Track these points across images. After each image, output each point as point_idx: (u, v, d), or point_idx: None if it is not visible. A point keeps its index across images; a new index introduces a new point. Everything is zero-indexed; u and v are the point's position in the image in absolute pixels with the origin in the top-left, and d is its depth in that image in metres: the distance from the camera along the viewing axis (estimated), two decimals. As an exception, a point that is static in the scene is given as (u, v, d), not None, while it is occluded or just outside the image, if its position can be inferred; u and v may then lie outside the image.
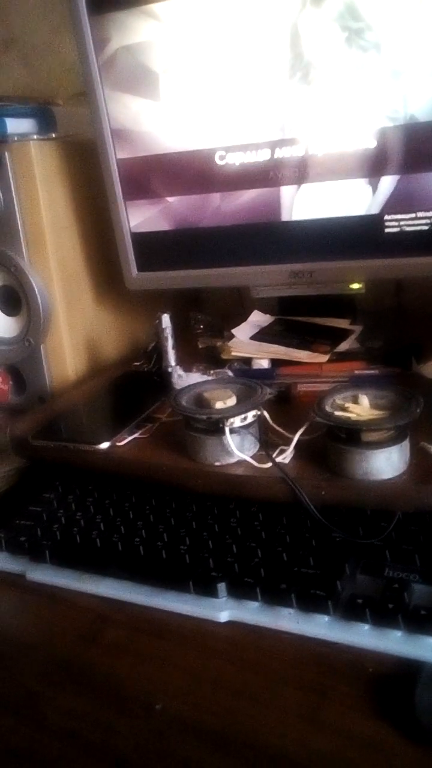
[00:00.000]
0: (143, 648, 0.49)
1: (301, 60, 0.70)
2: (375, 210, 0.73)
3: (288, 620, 0.48)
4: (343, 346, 0.78)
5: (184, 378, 0.73)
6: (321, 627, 0.47)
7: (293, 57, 0.70)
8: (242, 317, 0.88)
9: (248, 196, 0.77)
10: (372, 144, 0.70)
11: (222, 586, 0.51)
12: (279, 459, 0.56)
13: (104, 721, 0.43)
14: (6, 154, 0.79)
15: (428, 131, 0.67)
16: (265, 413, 0.60)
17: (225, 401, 0.59)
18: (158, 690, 0.45)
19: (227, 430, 0.56)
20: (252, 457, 0.57)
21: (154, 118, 0.78)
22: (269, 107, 0.73)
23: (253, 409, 0.58)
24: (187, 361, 0.78)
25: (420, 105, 0.67)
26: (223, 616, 0.50)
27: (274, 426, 0.60)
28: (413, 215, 0.71)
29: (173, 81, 0.76)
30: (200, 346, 0.86)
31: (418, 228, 0.71)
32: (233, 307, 0.97)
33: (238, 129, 0.75)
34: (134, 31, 0.75)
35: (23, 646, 0.51)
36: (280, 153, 0.74)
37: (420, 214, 0.71)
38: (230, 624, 0.50)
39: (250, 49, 0.71)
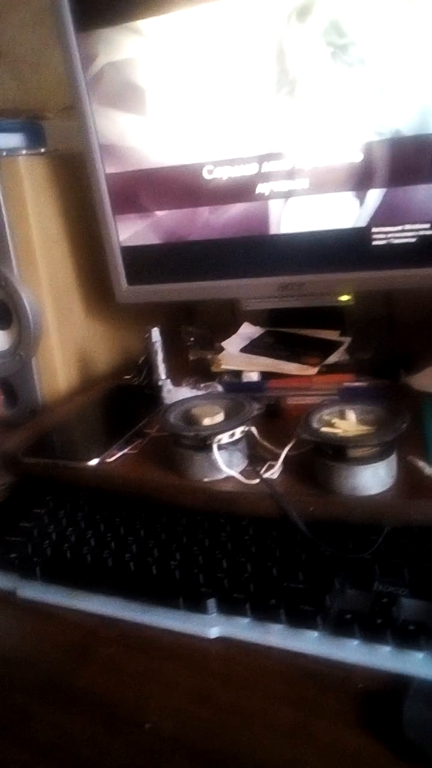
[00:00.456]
0: (133, 665, 0.49)
1: (287, 75, 0.70)
2: (362, 223, 0.73)
3: (277, 636, 0.49)
4: (333, 358, 0.78)
5: (173, 392, 0.74)
6: (310, 643, 0.48)
7: (279, 72, 0.71)
8: (233, 329, 0.88)
9: (237, 209, 0.78)
10: (358, 158, 0.71)
11: (212, 602, 0.51)
12: (267, 475, 0.57)
13: (94, 739, 0.43)
14: (-5, 169, 0.80)
15: (413, 145, 0.68)
16: (253, 429, 0.60)
17: (213, 417, 0.59)
18: (148, 707, 0.45)
19: (215, 446, 0.56)
20: (240, 473, 0.58)
21: (141, 133, 0.78)
22: (256, 122, 0.73)
23: (240, 425, 0.58)
24: (178, 374, 0.78)
25: (405, 119, 0.67)
26: (213, 632, 0.50)
27: (263, 441, 0.61)
28: (400, 228, 0.72)
29: (160, 96, 0.76)
30: (191, 359, 0.87)
31: (405, 240, 0.72)
32: (225, 318, 0.97)
33: (225, 143, 0.75)
34: (121, 48, 0.75)
35: (13, 662, 0.51)
36: (268, 167, 0.75)
37: (407, 227, 0.71)
38: (220, 640, 0.50)
39: (236, 65, 0.72)
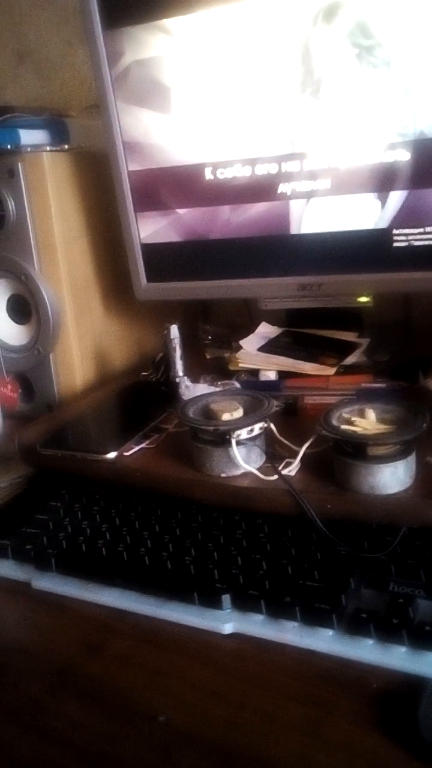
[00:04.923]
0: (147, 659, 0.49)
1: (311, 76, 0.71)
2: (383, 224, 0.73)
3: (292, 633, 0.48)
4: (350, 359, 0.78)
5: (191, 389, 0.74)
6: (325, 641, 0.47)
7: (304, 72, 0.71)
8: (250, 328, 0.88)
9: (257, 209, 0.78)
10: (381, 159, 0.71)
11: (227, 598, 0.51)
12: (285, 471, 0.57)
13: (107, 732, 0.43)
14: (19, 164, 0.80)
15: (437, 147, 0.68)
16: (272, 425, 0.60)
17: (232, 413, 0.59)
18: (161, 702, 0.45)
19: (234, 441, 0.56)
20: (258, 470, 0.58)
21: (165, 131, 0.79)
22: (280, 121, 0.73)
23: (259, 421, 0.58)
24: (194, 372, 0.78)
25: (429, 121, 0.67)
26: (228, 628, 0.50)
27: (281, 438, 0.61)
28: (421, 230, 0.71)
29: (185, 95, 0.77)
30: (208, 357, 0.87)
31: (426, 243, 0.71)
32: (241, 318, 0.97)
33: (248, 142, 0.76)
34: (147, 46, 0.76)
35: (27, 654, 0.51)
36: (290, 167, 0.75)
37: (428, 229, 0.71)
38: (234, 636, 0.50)
39: (261, 65, 0.72)
